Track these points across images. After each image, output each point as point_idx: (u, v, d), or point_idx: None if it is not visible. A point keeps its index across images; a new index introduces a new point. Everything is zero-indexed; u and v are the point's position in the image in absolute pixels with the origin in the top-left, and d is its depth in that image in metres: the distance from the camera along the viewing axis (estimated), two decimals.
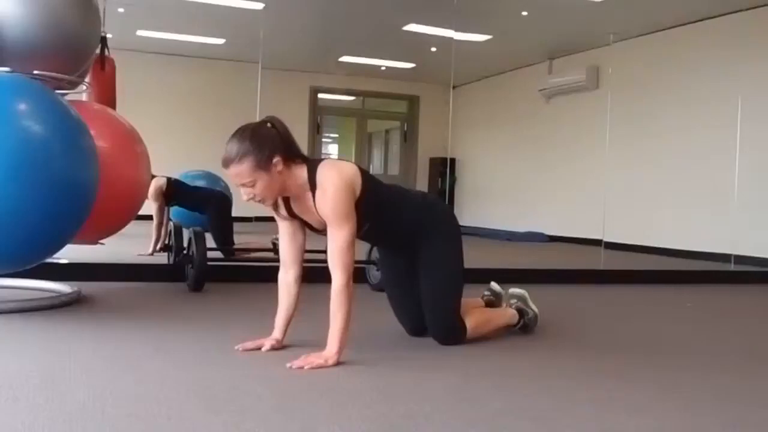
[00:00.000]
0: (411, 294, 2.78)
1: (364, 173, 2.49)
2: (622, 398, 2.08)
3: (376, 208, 2.51)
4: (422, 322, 2.79)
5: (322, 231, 2.50)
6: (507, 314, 3.00)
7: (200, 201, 5.67)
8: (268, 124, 2.40)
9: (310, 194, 2.41)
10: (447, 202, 9.91)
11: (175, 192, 5.55)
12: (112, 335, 2.71)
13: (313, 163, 2.42)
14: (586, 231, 8.16)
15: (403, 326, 2.87)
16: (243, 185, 2.35)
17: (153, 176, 4.97)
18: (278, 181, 2.36)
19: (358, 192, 2.42)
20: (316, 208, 2.41)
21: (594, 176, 7.94)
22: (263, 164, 2.31)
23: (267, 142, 2.33)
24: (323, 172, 2.39)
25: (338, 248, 2.36)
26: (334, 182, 2.36)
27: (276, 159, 2.33)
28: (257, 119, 2.50)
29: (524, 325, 3.04)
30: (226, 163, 2.33)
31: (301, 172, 2.40)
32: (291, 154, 2.39)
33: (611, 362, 2.60)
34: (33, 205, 2.82)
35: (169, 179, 5.55)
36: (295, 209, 2.51)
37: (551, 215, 9.40)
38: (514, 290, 3.12)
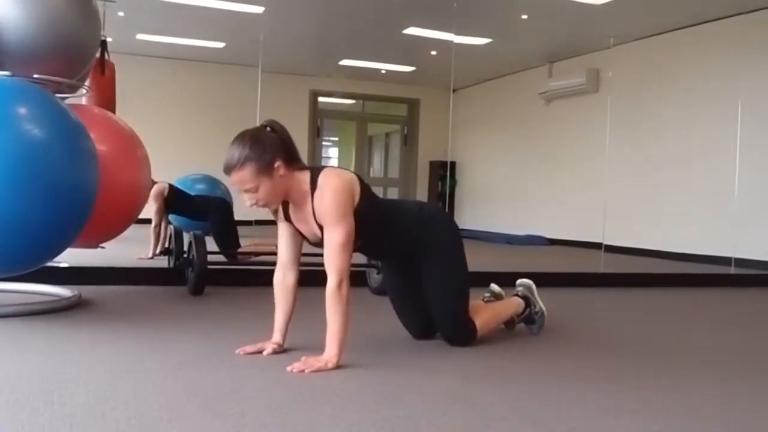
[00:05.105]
0: (416, 301, 2.77)
1: (364, 184, 2.47)
2: (624, 402, 2.08)
3: (372, 221, 2.47)
4: (428, 327, 2.81)
5: (315, 243, 2.48)
6: (513, 303, 3.02)
7: (200, 209, 5.70)
8: (268, 128, 2.39)
9: (309, 201, 2.39)
10: (447, 206, 9.93)
11: (174, 200, 5.56)
12: (112, 338, 2.71)
13: (315, 169, 2.42)
14: (586, 234, 8.17)
15: (408, 330, 2.87)
16: (246, 191, 2.34)
17: (154, 182, 4.98)
18: (281, 186, 2.36)
19: (356, 199, 2.41)
20: (314, 211, 2.39)
21: (594, 179, 7.95)
22: (265, 169, 2.30)
23: (268, 147, 2.31)
24: (324, 177, 2.38)
25: (332, 249, 2.34)
26: (333, 183, 2.36)
27: (278, 163, 2.32)
28: (257, 123, 2.50)
29: (529, 317, 3.05)
30: (228, 169, 2.32)
31: (303, 176, 2.40)
32: (292, 159, 2.39)
33: (612, 366, 2.60)
34: (33, 209, 2.82)
35: (170, 185, 5.57)
36: (293, 216, 2.49)
37: (551, 218, 9.41)
38: (521, 280, 3.14)
